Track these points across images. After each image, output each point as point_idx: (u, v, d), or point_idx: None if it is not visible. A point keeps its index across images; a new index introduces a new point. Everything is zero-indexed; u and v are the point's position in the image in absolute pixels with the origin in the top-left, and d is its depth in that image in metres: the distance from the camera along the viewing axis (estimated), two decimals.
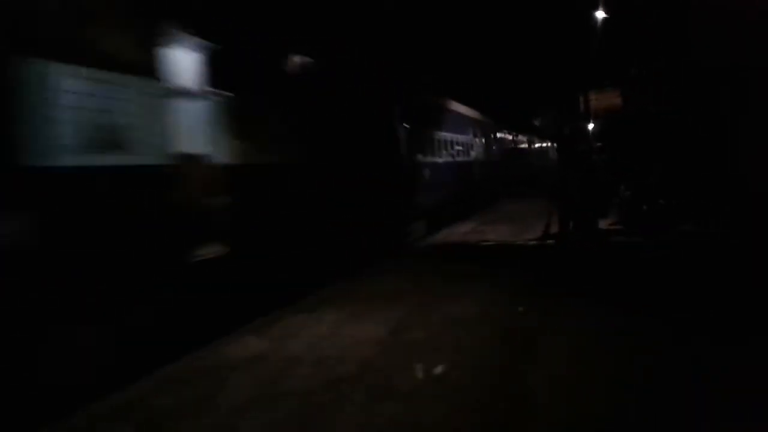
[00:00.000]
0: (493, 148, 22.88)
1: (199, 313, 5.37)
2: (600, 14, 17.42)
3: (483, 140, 20.67)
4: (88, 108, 4.36)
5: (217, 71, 6.07)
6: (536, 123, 35.62)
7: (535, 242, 10.66)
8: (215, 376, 4.53)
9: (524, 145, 33.01)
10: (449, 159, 15.41)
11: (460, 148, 16.74)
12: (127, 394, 4.22)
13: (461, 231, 13.26)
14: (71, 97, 4.23)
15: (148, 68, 5.05)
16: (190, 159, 5.67)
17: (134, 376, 4.41)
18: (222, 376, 4.53)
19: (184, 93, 5.70)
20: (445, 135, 15.05)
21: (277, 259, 6.94)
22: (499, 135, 24.60)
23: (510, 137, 28.25)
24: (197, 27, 5.87)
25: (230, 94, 6.26)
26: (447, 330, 5.53)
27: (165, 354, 4.80)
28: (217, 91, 6.10)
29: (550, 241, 10.49)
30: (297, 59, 7.96)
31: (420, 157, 12.83)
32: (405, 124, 11.72)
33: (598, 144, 15.18)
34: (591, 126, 18.05)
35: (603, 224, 11.07)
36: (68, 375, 4.15)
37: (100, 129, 4.47)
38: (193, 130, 5.79)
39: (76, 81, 4.28)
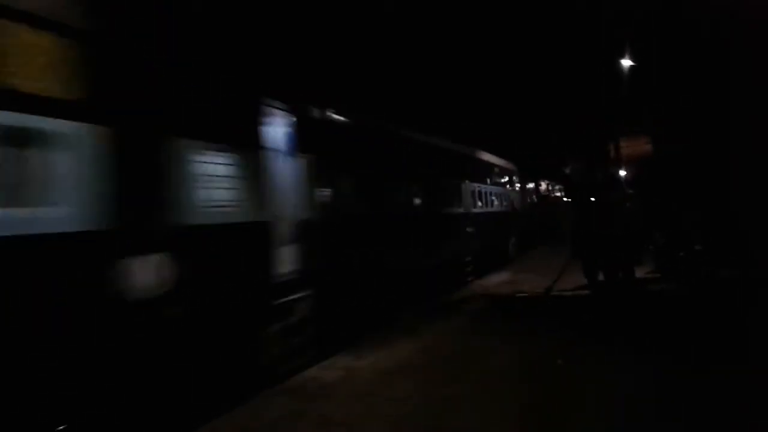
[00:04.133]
0: (524, 197, 22.81)
1: None
2: (627, 62, 17.58)
3: (513, 189, 20.65)
4: None
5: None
6: (566, 171, 35.54)
7: (570, 293, 10.53)
8: None
9: (556, 194, 32.83)
10: (480, 209, 15.41)
11: (490, 198, 16.74)
12: None
13: (495, 281, 13.18)
14: None
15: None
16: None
17: None
18: None
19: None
20: (475, 186, 15.10)
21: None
22: (530, 184, 24.57)
23: (541, 186, 28.17)
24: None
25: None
26: (485, 382, 5.48)
27: None
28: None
29: (585, 292, 10.33)
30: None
31: (450, 207, 12.90)
32: (434, 176, 11.84)
33: (630, 191, 15.07)
34: (623, 173, 17.98)
35: (639, 272, 10.87)
36: None
37: None
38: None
39: None
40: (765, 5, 8.44)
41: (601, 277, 10.05)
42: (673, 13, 11.46)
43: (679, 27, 11.60)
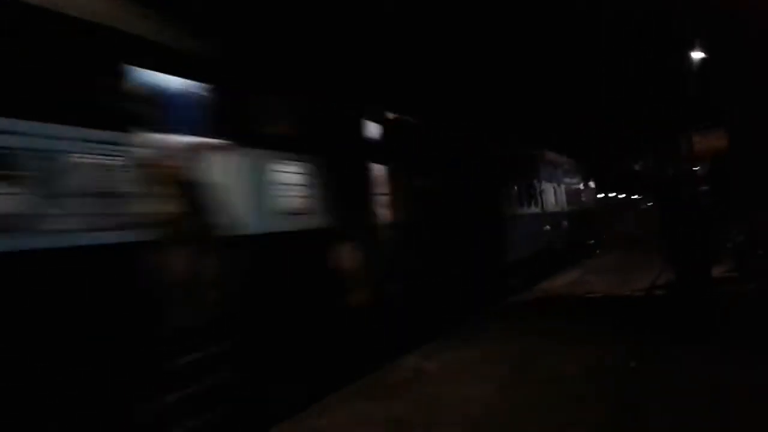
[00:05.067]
0: (592, 196, 22.38)
1: None
2: (697, 54, 16.97)
3: (582, 189, 20.29)
4: None
5: None
6: (636, 167, 34.53)
7: (643, 293, 10.26)
8: None
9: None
10: (548, 209, 15.24)
11: (559, 197, 16.53)
12: None
13: (564, 282, 12.97)
14: None
15: None
16: None
17: None
18: None
19: None
20: (544, 185, 14.97)
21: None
22: (593, 183, 24.06)
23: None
24: None
25: None
26: (556, 385, 5.44)
27: None
28: None
29: (659, 292, 10.04)
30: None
31: (517, 208, 12.84)
32: (502, 176, 11.84)
33: (705, 187, 14.54)
34: (696, 169, 17.35)
35: (716, 271, 10.46)
36: None
37: None
38: None
39: None
40: None
41: (678, 276, 9.73)
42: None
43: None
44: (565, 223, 17.48)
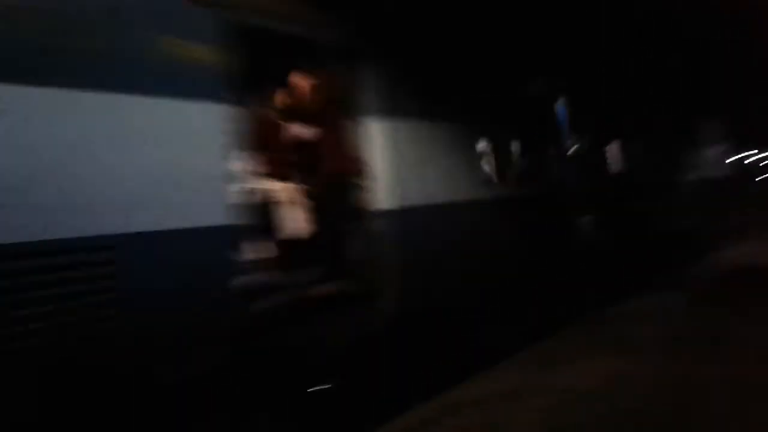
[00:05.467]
0: (748, 158, 20.65)
1: None
2: None
3: (737, 150, 18.78)
4: None
5: None
6: None
7: None
8: None
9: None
10: (710, 174, 14.25)
11: (716, 160, 15.34)
12: None
13: (738, 253, 11.56)
14: None
15: None
16: None
17: None
18: None
19: None
20: (701, 149, 14.14)
21: None
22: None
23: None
24: None
25: None
26: (738, 367, 4.74)
27: None
28: None
29: None
30: None
31: (684, 173, 12.40)
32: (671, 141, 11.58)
33: None
34: None
35: None
36: None
37: None
38: None
39: None
40: None
41: None
42: None
43: None
44: (726, 188, 15.98)
